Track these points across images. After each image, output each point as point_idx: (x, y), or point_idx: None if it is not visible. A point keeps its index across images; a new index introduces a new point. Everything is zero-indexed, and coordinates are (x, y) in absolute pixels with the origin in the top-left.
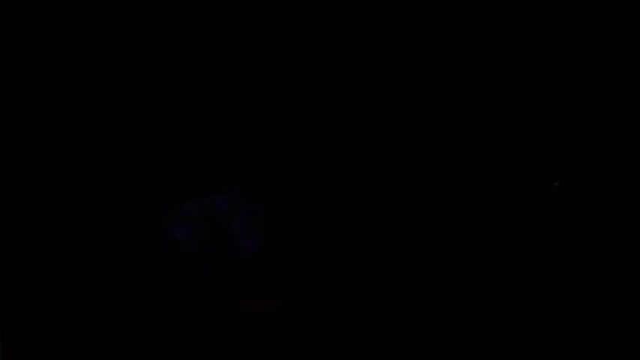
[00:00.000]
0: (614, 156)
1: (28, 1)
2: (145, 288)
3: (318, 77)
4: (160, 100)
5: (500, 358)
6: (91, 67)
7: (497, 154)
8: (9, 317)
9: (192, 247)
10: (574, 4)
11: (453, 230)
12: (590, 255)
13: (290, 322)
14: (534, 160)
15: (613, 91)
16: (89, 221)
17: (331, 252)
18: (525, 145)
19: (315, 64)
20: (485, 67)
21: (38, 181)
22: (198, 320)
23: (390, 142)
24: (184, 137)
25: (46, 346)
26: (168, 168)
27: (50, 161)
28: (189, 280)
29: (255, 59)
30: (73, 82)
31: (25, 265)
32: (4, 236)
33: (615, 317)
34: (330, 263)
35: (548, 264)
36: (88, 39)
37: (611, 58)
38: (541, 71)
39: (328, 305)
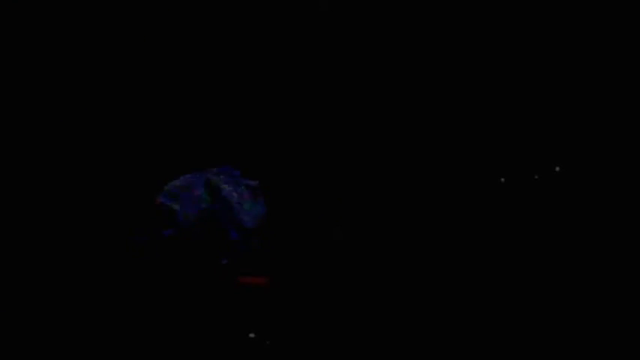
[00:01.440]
0: (613, 154)
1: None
2: (143, 262)
3: (307, 61)
4: (155, 79)
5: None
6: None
7: (496, 153)
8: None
9: (192, 219)
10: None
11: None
12: (590, 254)
13: (281, 297)
14: (532, 156)
15: (611, 90)
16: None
17: (324, 229)
18: (524, 144)
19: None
20: (485, 67)
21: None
22: (194, 293)
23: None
24: (182, 112)
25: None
26: (166, 143)
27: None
28: (188, 252)
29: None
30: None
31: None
32: None
33: (615, 317)
34: (323, 240)
35: (548, 263)
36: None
37: (610, 57)
38: (539, 71)
39: (319, 282)
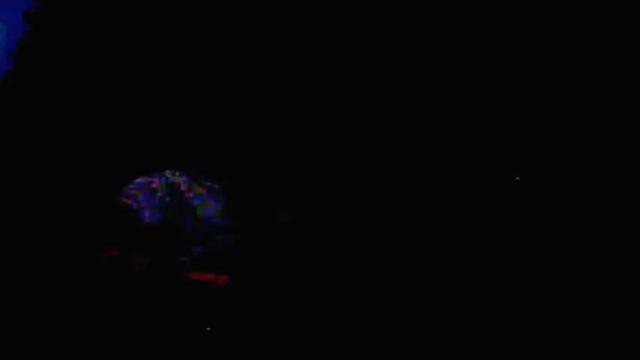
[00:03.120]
0: (612, 154)
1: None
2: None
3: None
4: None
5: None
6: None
7: (494, 154)
8: None
9: (152, 218)
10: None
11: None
12: (589, 254)
13: (236, 295)
14: (530, 159)
15: (610, 91)
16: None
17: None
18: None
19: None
20: (484, 67)
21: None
22: (151, 289)
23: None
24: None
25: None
26: (130, 145)
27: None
28: (148, 249)
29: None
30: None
31: None
32: None
33: (615, 317)
34: (281, 242)
35: (547, 263)
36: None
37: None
38: (538, 71)
39: (275, 281)
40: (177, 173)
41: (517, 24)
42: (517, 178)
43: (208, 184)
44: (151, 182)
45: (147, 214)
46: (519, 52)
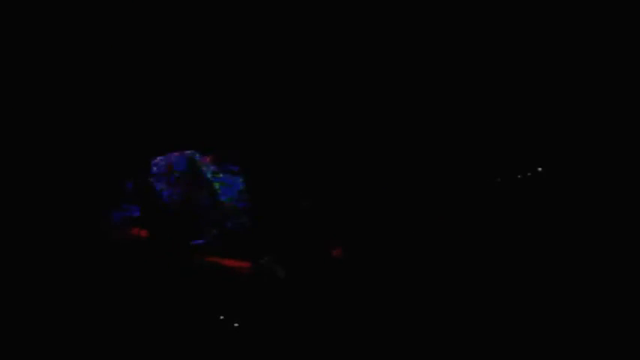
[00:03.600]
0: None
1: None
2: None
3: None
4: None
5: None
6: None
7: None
8: None
9: (174, 198)
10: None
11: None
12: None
13: (256, 279)
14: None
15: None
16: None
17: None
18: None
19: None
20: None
21: None
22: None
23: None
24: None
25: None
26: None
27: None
28: (166, 230)
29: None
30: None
31: None
32: None
33: (614, 317)
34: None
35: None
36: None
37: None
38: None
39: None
40: (197, 154)
41: (517, 24)
42: (519, 176)
43: (229, 165)
44: (172, 163)
45: (166, 194)
46: (519, 52)
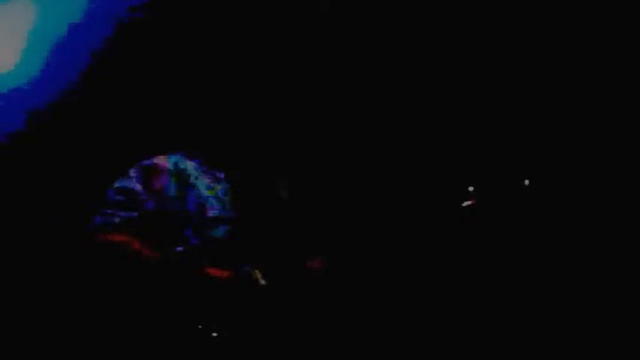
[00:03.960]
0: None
1: None
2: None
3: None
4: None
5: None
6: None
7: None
8: None
9: (156, 202)
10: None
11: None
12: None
13: (242, 288)
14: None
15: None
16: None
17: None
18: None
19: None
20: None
21: None
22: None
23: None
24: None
25: None
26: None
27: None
28: (147, 234)
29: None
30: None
31: None
32: None
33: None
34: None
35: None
36: None
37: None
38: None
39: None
40: (183, 159)
41: (517, 24)
42: (520, 178)
43: (214, 172)
44: (156, 166)
45: (151, 200)
46: (519, 52)
